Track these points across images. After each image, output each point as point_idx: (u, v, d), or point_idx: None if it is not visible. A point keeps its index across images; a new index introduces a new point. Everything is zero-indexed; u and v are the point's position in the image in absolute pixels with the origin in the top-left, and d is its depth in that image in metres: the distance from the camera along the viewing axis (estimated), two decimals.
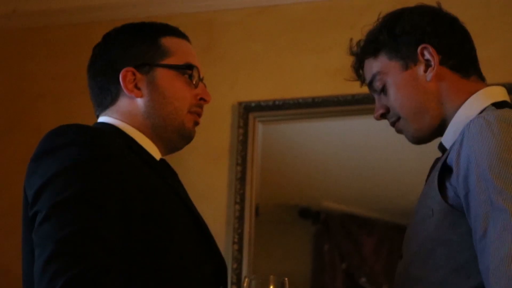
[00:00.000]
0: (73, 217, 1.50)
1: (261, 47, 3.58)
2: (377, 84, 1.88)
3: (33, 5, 3.83)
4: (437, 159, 1.80)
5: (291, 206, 3.71)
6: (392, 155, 3.41)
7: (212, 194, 3.42)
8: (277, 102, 3.46)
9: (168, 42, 1.87)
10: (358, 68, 1.96)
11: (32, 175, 1.60)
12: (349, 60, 3.39)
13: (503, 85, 3.11)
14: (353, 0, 3.49)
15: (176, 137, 1.85)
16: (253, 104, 3.48)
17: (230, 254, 3.29)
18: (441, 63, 1.82)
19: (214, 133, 3.47)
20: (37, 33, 3.86)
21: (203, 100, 1.88)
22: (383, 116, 1.89)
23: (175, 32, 1.91)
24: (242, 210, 3.35)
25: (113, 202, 1.55)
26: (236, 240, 3.31)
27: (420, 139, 1.87)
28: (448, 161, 1.67)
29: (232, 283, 3.22)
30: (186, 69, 1.85)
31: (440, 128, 1.83)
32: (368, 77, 1.91)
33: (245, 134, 3.45)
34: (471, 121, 1.65)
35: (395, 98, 1.84)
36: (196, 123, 1.88)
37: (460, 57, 1.83)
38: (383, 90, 1.87)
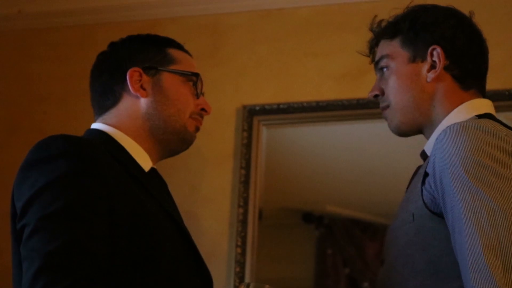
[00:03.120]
0: (60, 231, 1.51)
1: (266, 51, 3.57)
2: (382, 65, 1.91)
3: (38, 7, 3.82)
4: (419, 167, 1.83)
5: (295, 210, 3.72)
6: (396, 160, 3.40)
7: (215, 197, 3.41)
8: (281, 106, 3.46)
9: (174, 52, 1.93)
10: (374, 46, 1.99)
11: (21, 186, 1.61)
12: (355, 64, 3.38)
13: (508, 90, 3.15)
14: (358, 4, 3.49)
15: (177, 139, 1.88)
16: (257, 108, 3.47)
17: (233, 257, 3.29)
18: (446, 69, 1.84)
19: (218, 136, 3.46)
20: (42, 34, 3.86)
21: (204, 110, 1.93)
22: (376, 97, 1.92)
23: (180, 47, 1.97)
24: (245, 213, 3.35)
25: (99, 215, 1.56)
26: (239, 243, 3.31)
27: (401, 132, 1.90)
28: (428, 167, 1.70)
29: (235, 286, 3.22)
30: (192, 76, 1.90)
31: (424, 128, 1.87)
32: (377, 56, 1.94)
33: (249, 138, 3.44)
34: (447, 126, 1.68)
35: (392, 85, 1.87)
36: (197, 129, 1.92)
37: (467, 70, 1.85)
38: (384, 73, 1.90)
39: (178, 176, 3.32)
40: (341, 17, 3.50)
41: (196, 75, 1.91)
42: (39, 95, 3.77)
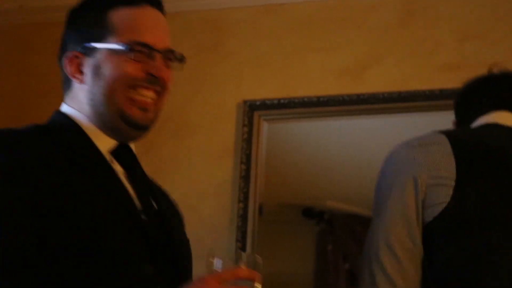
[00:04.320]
0: None
1: (268, 46, 3.57)
2: None
3: (38, 1, 3.82)
4: None
5: (295, 205, 3.71)
6: None
7: (216, 192, 3.42)
8: (282, 101, 3.46)
9: (115, 16, 1.71)
10: None
11: None
12: (356, 59, 3.37)
13: None
14: (359, 0, 3.49)
15: (122, 124, 1.68)
16: (258, 103, 3.47)
17: (233, 252, 3.29)
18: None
19: (219, 131, 3.46)
20: (44, 28, 3.86)
21: (151, 75, 1.67)
22: None
23: (126, 1, 1.73)
24: (245, 209, 3.35)
25: (26, 211, 1.47)
26: (239, 238, 3.31)
27: None
28: None
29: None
30: (130, 50, 1.67)
31: None
32: None
33: (250, 133, 3.44)
34: None
35: None
36: (142, 109, 1.68)
37: (461, 117, 2.11)
38: None
39: (178, 171, 3.32)
40: (342, 12, 3.50)
41: (135, 45, 1.66)
42: (41, 89, 3.77)
